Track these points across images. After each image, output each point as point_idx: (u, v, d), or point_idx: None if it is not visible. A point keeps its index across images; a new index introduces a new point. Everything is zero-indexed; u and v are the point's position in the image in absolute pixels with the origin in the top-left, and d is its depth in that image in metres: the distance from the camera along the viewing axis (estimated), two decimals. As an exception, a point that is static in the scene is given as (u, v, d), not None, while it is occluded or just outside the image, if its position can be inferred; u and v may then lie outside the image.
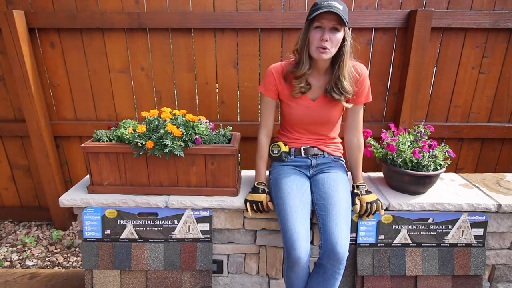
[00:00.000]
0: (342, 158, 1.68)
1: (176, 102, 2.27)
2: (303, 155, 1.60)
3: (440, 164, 1.54)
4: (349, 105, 1.51)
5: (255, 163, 1.61)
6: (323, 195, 1.45)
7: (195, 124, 1.55)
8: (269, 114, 1.57)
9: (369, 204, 1.48)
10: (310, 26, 1.36)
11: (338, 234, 1.32)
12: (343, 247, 1.30)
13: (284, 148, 1.60)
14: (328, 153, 1.62)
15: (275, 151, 1.61)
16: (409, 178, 1.53)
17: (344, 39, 1.37)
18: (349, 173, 1.68)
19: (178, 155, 1.46)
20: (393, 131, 1.67)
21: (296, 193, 1.45)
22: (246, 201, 1.52)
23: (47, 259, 2.21)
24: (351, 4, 2.07)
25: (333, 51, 1.36)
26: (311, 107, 1.51)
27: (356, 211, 1.49)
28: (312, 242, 1.60)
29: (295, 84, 1.45)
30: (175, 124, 1.51)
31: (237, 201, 1.55)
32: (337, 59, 1.41)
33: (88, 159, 1.54)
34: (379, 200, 1.51)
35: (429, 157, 1.52)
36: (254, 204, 1.49)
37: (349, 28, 1.42)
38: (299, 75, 1.43)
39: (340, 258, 1.30)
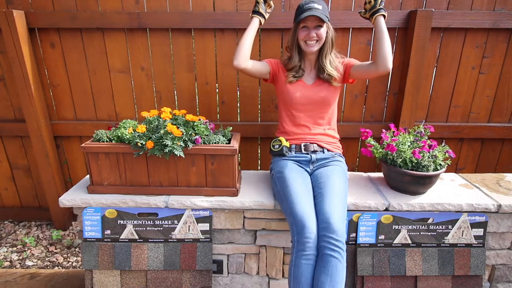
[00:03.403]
0: (341, 155, 1.71)
1: (176, 102, 2.27)
2: (303, 151, 1.64)
3: (440, 164, 1.54)
4: (339, 84, 1.68)
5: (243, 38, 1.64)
6: (320, 185, 1.50)
7: (195, 124, 1.55)
8: (256, 62, 1.69)
9: None
10: (297, 26, 1.61)
11: (332, 211, 1.35)
12: (336, 219, 1.33)
13: (285, 143, 1.65)
14: (327, 150, 1.66)
15: (276, 146, 1.65)
16: (409, 178, 1.53)
17: (327, 32, 1.61)
18: (349, 173, 1.68)
19: (178, 155, 1.46)
20: (393, 131, 1.67)
21: (301, 182, 1.50)
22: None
23: (47, 259, 2.21)
24: (351, 4, 2.07)
25: (320, 43, 1.61)
26: (308, 87, 1.67)
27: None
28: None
29: (289, 73, 1.68)
30: (175, 124, 1.51)
31: (237, 201, 1.55)
32: (322, 49, 1.64)
33: (88, 159, 1.54)
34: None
35: (429, 157, 1.52)
36: None
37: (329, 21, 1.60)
38: (290, 67, 1.68)
39: (333, 229, 1.30)
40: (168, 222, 1.59)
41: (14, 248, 2.31)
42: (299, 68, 1.67)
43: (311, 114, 1.68)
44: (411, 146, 1.57)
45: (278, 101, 1.78)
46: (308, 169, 1.63)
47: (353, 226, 1.56)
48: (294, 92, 1.66)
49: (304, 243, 1.32)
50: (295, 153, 1.66)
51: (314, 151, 1.65)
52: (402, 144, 1.56)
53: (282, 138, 1.67)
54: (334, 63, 1.66)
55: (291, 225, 1.38)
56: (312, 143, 1.66)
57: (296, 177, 1.52)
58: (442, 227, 1.58)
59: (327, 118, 1.71)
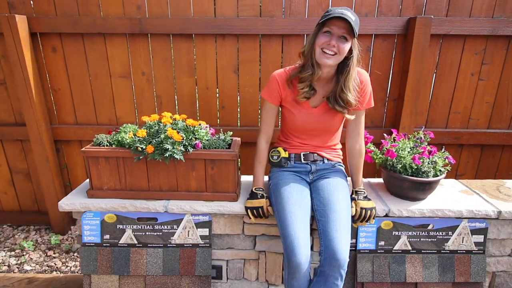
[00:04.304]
0: (342, 164, 1.68)
1: (177, 107, 2.28)
2: (303, 161, 1.59)
3: (440, 170, 1.54)
4: (352, 117, 1.49)
5: (253, 168, 1.61)
6: (323, 200, 1.45)
7: (195, 129, 1.55)
8: (270, 120, 1.58)
9: (364, 210, 1.47)
10: (319, 30, 1.36)
11: (338, 241, 1.31)
12: (343, 253, 1.30)
13: (284, 154, 1.60)
14: (328, 159, 1.61)
15: (275, 157, 1.60)
16: (409, 184, 1.53)
17: (351, 51, 1.37)
18: (349, 178, 1.68)
19: (178, 159, 1.46)
20: (394, 137, 1.67)
21: (297, 198, 1.45)
22: (247, 208, 1.51)
23: (45, 263, 2.20)
24: (351, 7, 2.08)
25: (338, 58, 1.36)
26: (313, 113, 1.51)
27: (351, 214, 1.48)
28: (312, 248, 1.60)
29: (299, 89, 1.45)
30: (175, 129, 1.51)
31: (236, 206, 1.55)
32: (343, 70, 1.42)
33: (88, 163, 1.54)
34: (375, 209, 1.50)
35: (429, 163, 1.52)
36: (255, 210, 1.49)
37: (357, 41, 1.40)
38: (303, 78, 1.43)
39: (341, 265, 1.29)
40: (167, 227, 1.59)
41: (13, 253, 2.29)
42: (310, 87, 1.45)
43: (313, 138, 1.59)
44: (411, 152, 1.57)
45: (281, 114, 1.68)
46: (307, 179, 1.60)
47: (353, 232, 1.56)
48: (295, 119, 1.52)
49: (294, 268, 1.31)
50: (295, 163, 1.60)
51: (314, 161, 1.59)
52: (402, 150, 1.56)
53: (280, 149, 1.60)
54: (356, 91, 1.43)
55: (283, 243, 1.36)
56: (312, 153, 1.59)
57: (291, 193, 1.46)
58: (442, 233, 1.57)
59: (332, 139, 1.61)
